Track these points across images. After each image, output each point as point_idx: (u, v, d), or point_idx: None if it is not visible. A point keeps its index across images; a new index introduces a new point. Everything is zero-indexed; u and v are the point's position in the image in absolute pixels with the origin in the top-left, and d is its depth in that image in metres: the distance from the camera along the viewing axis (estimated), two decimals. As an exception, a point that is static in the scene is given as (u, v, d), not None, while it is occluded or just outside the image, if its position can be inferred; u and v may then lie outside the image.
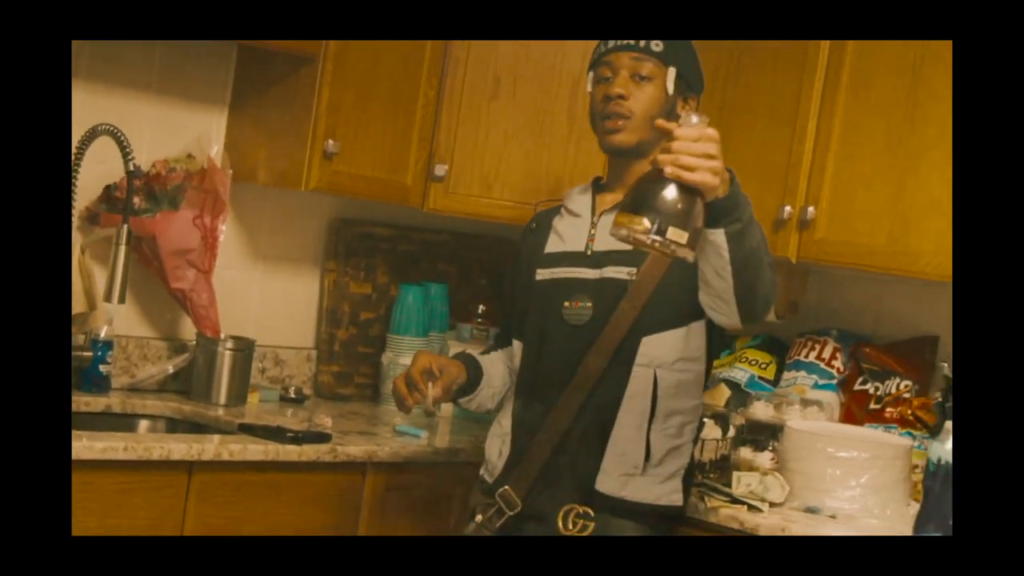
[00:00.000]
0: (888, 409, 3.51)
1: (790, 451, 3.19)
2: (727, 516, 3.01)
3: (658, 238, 2.26)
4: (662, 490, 2.83)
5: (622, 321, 2.80)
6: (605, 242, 2.79)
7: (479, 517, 2.89)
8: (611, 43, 2.90)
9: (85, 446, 2.84)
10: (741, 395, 3.65)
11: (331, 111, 3.45)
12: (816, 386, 3.63)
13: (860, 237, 3.33)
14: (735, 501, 3.05)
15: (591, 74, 2.93)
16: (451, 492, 3.31)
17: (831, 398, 3.61)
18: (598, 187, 2.98)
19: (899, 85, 3.30)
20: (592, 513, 2.80)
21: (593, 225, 2.90)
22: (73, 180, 3.26)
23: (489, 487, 2.91)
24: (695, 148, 2.31)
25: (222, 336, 3.59)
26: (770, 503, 3.07)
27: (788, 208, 3.41)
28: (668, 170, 2.29)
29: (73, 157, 3.23)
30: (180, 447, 2.99)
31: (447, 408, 3.84)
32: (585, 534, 2.80)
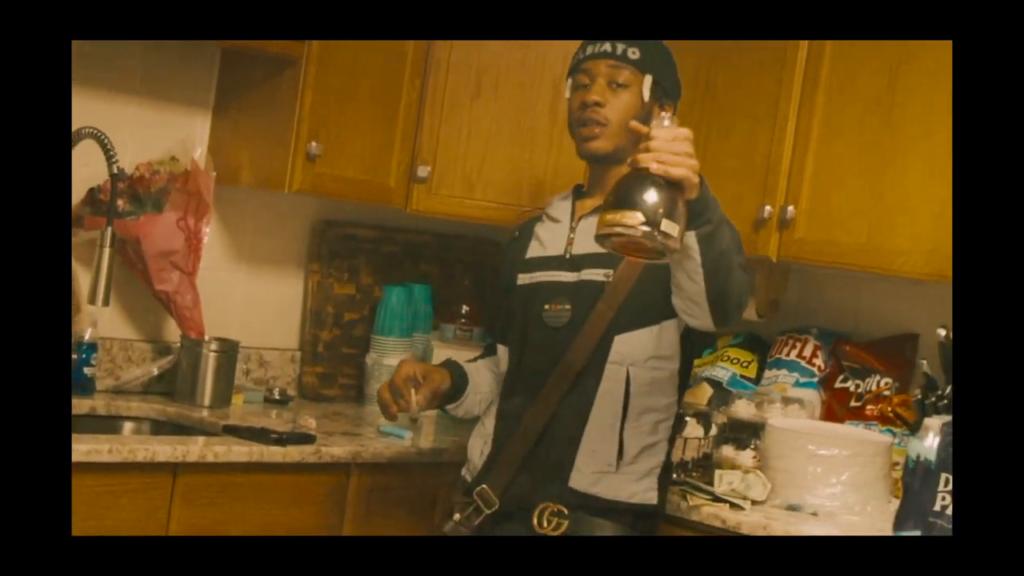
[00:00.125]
0: (868, 406, 3.54)
1: (772, 449, 3.22)
2: (709, 514, 3.03)
3: (651, 230, 2.27)
4: (636, 488, 2.85)
5: (598, 322, 2.82)
6: (583, 246, 2.85)
7: (457, 516, 2.91)
8: (589, 50, 2.93)
9: (70, 448, 2.85)
10: (723, 394, 3.67)
11: (314, 113, 3.46)
12: (797, 384, 3.65)
13: (839, 236, 3.36)
14: (717, 499, 3.07)
15: (569, 81, 2.97)
16: (435, 492, 3.32)
17: (812, 396, 3.63)
18: (578, 194, 3.01)
19: (877, 86, 3.32)
20: (566, 511, 2.83)
21: (572, 229, 2.93)
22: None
23: (468, 486, 2.93)
24: (673, 146, 2.35)
25: (206, 338, 3.60)
26: (752, 501, 3.09)
27: (768, 208, 3.43)
28: (653, 166, 2.32)
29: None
30: (165, 449, 3.00)
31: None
32: (559, 532, 2.82)
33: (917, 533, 2.82)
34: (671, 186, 2.33)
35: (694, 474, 3.22)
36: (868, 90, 3.34)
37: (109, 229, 3.18)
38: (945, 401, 3.23)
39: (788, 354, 3.71)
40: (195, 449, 3.04)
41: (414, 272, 4.09)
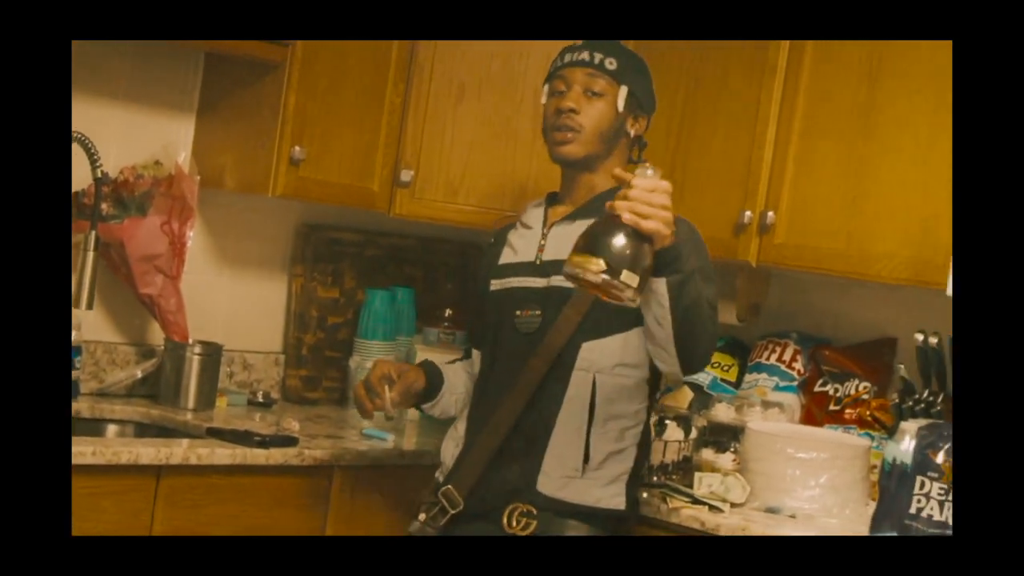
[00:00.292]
0: (847, 410, 3.56)
1: (751, 452, 3.24)
2: (689, 516, 3.05)
3: (610, 278, 2.41)
4: (603, 493, 2.87)
5: (565, 327, 2.86)
6: (553, 252, 2.89)
7: (422, 516, 2.94)
8: (567, 57, 2.97)
9: (54, 450, 2.85)
10: (704, 397, 3.69)
11: (297, 117, 3.48)
12: (777, 388, 3.67)
13: (819, 241, 3.38)
14: (696, 502, 3.09)
15: (546, 87, 3.00)
16: (417, 494, 3.33)
17: (792, 400, 3.65)
18: (551, 200, 3.05)
19: (856, 91, 3.34)
20: (535, 511, 2.85)
21: (544, 236, 2.97)
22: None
23: (437, 487, 2.96)
24: (651, 198, 2.46)
25: (190, 341, 3.61)
26: (731, 503, 3.11)
27: (748, 213, 3.45)
28: (625, 216, 2.44)
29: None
30: (148, 451, 3.01)
31: (413, 412, 3.88)
32: (528, 532, 2.85)
33: (893, 535, 2.85)
34: (640, 237, 2.45)
35: (674, 477, 3.24)
36: (848, 95, 3.36)
37: (93, 233, 3.19)
38: (922, 405, 3.26)
39: (768, 358, 3.73)
40: (179, 451, 3.06)
41: (398, 276, 4.11)
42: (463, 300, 4.06)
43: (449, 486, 2.92)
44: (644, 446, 2.97)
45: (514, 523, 2.86)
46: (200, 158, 3.66)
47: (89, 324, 3.55)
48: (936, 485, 2.82)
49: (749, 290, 3.74)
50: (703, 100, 3.59)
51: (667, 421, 3.28)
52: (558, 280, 2.88)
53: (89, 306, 3.19)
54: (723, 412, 3.56)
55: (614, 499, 2.88)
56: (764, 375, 3.70)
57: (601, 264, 2.41)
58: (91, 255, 3.17)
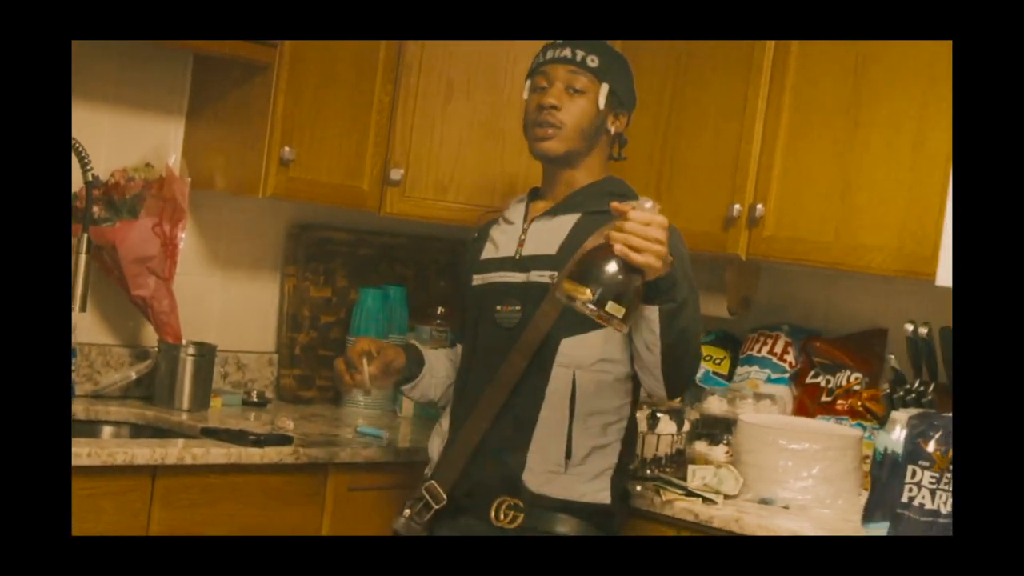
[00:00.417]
0: (839, 401, 3.57)
1: (744, 444, 3.25)
2: (682, 509, 3.07)
3: (597, 309, 2.47)
4: (587, 488, 2.89)
5: (542, 321, 2.87)
6: (533, 247, 2.92)
7: (407, 511, 2.96)
8: (549, 54, 2.99)
9: (49, 453, 2.86)
10: (696, 390, 3.71)
11: (287, 118, 3.48)
12: (769, 380, 3.68)
13: (808, 233, 3.39)
14: (690, 494, 3.11)
15: (528, 82, 3.03)
16: (412, 492, 3.35)
17: (784, 391, 3.67)
18: (533, 196, 3.06)
19: (842, 85, 3.36)
20: (522, 505, 2.87)
21: (524, 231, 2.98)
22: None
23: (425, 481, 2.98)
24: (646, 232, 2.49)
25: (184, 342, 3.62)
26: (724, 495, 3.13)
27: (737, 206, 3.47)
28: (617, 248, 2.49)
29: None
30: (144, 452, 3.02)
31: (408, 409, 3.90)
32: (516, 525, 2.86)
33: (885, 524, 2.87)
34: (631, 269, 2.50)
35: (667, 469, 3.26)
36: (834, 89, 3.37)
37: (85, 235, 3.20)
38: (913, 395, 3.28)
39: (760, 351, 3.75)
40: (174, 452, 3.07)
41: (389, 274, 4.12)
42: (454, 297, 4.07)
43: (432, 481, 2.94)
44: (629, 441, 2.98)
45: (502, 516, 2.88)
46: (191, 160, 3.66)
47: (83, 327, 3.56)
48: (927, 474, 2.83)
49: (739, 283, 3.76)
50: (691, 95, 3.61)
51: (660, 414, 3.29)
52: (537, 275, 2.90)
53: (83, 308, 3.20)
54: (715, 405, 3.58)
55: (599, 493, 2.90)
56: (756, 367, 3.72)
57: (588, 294, 2.47)
58: (83, 258, 3.18)
